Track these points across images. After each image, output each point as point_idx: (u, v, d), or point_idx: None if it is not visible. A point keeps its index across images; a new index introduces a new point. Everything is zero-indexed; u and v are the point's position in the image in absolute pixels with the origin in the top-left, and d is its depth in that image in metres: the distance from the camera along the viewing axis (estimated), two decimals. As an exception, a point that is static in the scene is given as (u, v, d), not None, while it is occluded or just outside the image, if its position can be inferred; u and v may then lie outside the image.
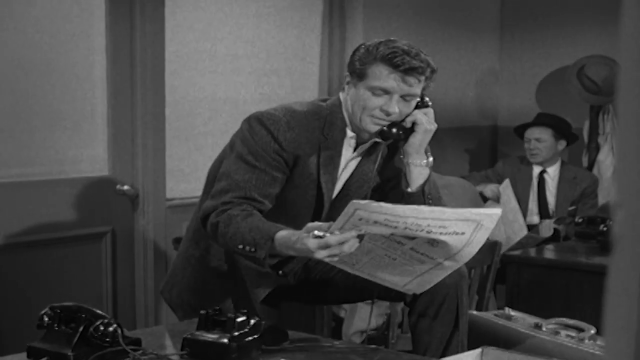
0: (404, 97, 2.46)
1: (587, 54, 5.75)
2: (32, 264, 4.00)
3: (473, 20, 5.96)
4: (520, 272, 4.28)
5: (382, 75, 2.43)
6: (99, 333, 2.09)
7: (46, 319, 2.16)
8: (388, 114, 2.45)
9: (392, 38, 2.53)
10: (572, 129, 5.32)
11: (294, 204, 2.60)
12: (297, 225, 2.54)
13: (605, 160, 5.70)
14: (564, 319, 2.61)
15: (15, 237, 3.92)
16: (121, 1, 4.20)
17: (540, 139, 5.19)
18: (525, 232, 4.93)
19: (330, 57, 5.21)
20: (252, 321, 2.20)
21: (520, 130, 5.31)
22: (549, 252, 4.45)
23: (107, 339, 2.10)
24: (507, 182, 5.11)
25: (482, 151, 6.21)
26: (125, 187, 4.26)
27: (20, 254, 3.95)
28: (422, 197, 2.54)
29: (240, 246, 2.37)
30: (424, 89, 2.50)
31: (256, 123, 2.52)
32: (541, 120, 5.26)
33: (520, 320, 2.62)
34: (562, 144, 5.24)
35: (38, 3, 3.95)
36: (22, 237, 3.95)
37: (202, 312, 2.23)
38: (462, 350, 2.53)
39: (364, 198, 2.57)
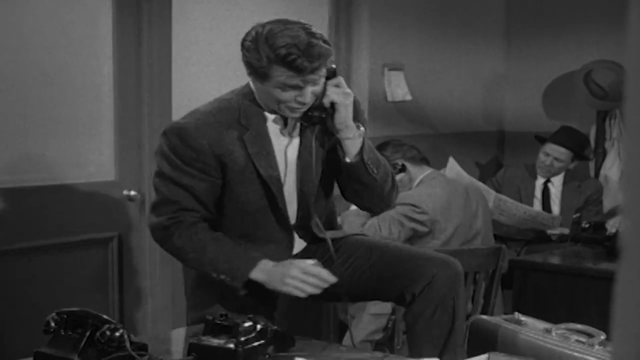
0: (315, 81, 2.47)
1: (594, 59, 5.74)
2: (38, 269, 4.00)
3: (479, 25, 5.96)
4: (526, 277, 4.27)
5: (286, 76, 2.42)
6: (106, 338, 2.10)
7: (52, 324, 2.17)
8: (303, 103, 2.48)
9: (276, 21, 2.53)
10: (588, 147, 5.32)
11: (248, 201, 2.61)
12: (260, 220, 2.60)
13: (612, 165, 5.69)
14: (574, 324, 2.59)
15: (21, 242, 3.92)
16: (127, 6, 4.21)
17: (560, 159, 5.17)
18: (492, 192, 4.91)
19: (337, 62, 5.20)
20: (259, 327, 2.20)
21: (541, 139, 5.26)
22: (556, 258, 4.44)
23: (114, 344, 2.10)
24: (451, 160, 5.00)
25: (487, 156, 6.20)
26: (132, 192, 4.26)
27: (26, 259, 3.96)
28: (363, 164, 2.58)
29: (215, 274, 2.52)
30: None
31: (171, 135, 2.55)
32: (567, 140, 5.17)
33: (529, 325, 2.61)
34: (575, 163, 5.24)
35: (44, 9, 3.96)
36: (28, 242, 3.95)
37: (208, 317, 2.23)
38: (459, 351, 2.53)
39: (313, 179, 2.62)
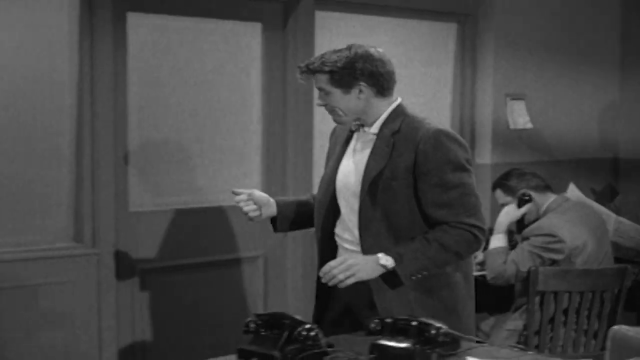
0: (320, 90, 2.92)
1: None
2: (191, 284, 4.37)
3: (594, 55, 6.04)
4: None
5: None
6: (303, 337, 2.38)
7: (252, 325, 2.47)
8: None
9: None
10: None
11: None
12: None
13: None
14: None
15: (178, 260, 4.31)
16: (274, 47, 4.56)
17: None
18: (612, 215, 5.01)
19: (463, 93, 5.43)
20: (433, 330, 2.42)
21: None
22: (680, 278, 4.52)
23: (309, 343, 2.38)
24: (571, 186, 5.13)
25: (602, 183, 6.25)
26: (278, 214, 4.57)
27: (182, 275, 4.33)
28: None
29: None
30: (360, 91, 2.85)
31: None
32: None
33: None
34: None
35: (202, 52, 4.35)
36: (184, 259, 4.33)
37: (386, 320, 2.48)
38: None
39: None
